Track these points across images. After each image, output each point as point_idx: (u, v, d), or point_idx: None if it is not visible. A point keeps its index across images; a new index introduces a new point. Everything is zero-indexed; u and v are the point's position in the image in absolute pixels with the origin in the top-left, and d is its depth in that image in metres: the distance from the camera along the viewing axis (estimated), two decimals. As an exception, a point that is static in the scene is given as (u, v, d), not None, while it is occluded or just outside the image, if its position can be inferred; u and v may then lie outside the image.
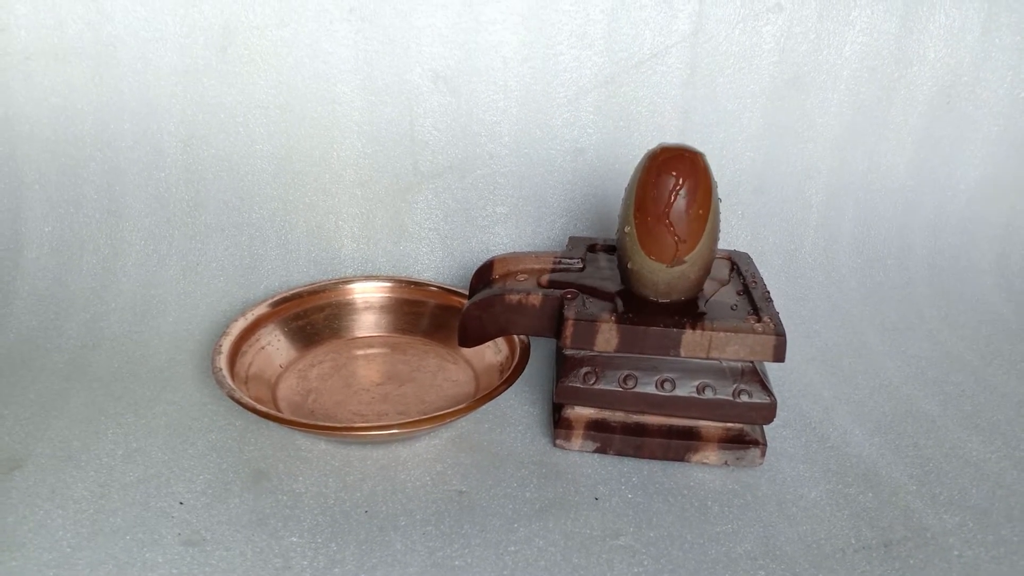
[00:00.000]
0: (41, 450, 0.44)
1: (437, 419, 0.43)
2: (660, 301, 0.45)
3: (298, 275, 0.59)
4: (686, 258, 0.43)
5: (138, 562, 0.37)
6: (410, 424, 0.42)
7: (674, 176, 0.42)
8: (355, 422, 0.47)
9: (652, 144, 0.61)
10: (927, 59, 0.62)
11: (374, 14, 0.56)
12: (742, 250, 0.54)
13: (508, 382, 0.46)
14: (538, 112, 0.59)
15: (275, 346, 0.52)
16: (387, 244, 0.60)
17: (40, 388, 0.49)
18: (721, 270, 0.51)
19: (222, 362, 0.46)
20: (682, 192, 0.42)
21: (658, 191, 0.43)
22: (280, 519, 0.40)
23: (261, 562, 0.37)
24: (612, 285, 0.47)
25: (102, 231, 0.56)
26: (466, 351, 0.53)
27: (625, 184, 0.62)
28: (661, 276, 0.44)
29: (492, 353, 0.52)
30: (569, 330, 0.43)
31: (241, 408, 0.43)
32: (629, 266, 0.45)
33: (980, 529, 0.41)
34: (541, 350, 0.55)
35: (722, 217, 0.63)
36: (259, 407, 0.43)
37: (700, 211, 0.43)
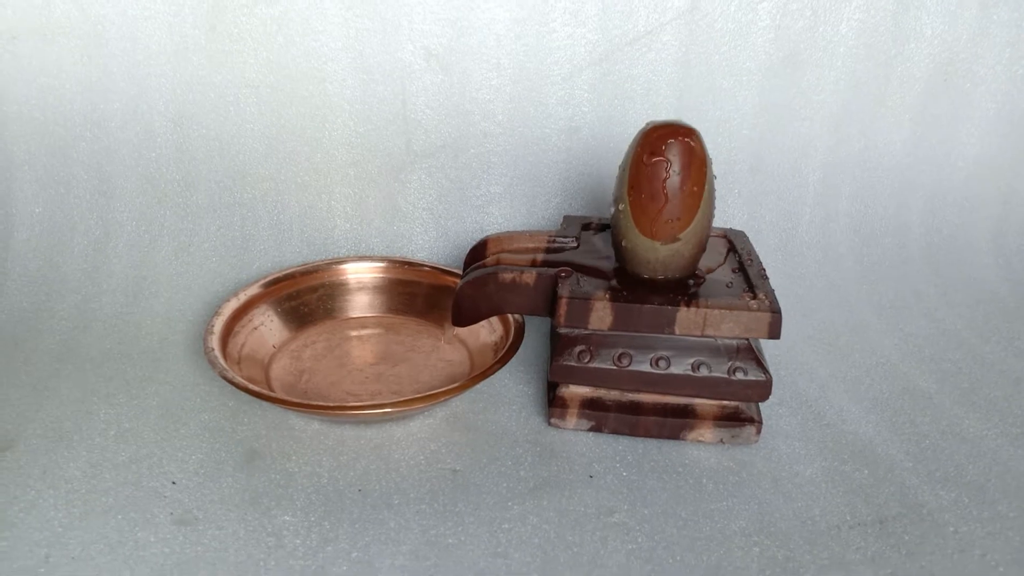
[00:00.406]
0: (33, 430, 0.44)
1: (430, 398, 0.42)
2: (655, 279, 0.45)
3: (291, 255, 0.59)
4: (680, 235, 0.43)
5: (130, 541, 0.37)
6: (403, 403, 0.42)
7: (667, 153, 0.42)
8: (348, 402, 0.46)
9: (646, 121, 0.61)
10: (924, 36, 0.61)
11: (365, -8, 0.56)
12: (738, 228, 0.53)
13: (502, 361, 0.46)
14: (532, 90, 0.59)
15: (268, 326, 0.51)
16: (380, 224, 0.60)
17: (32, 369, 0.49)
18: (717, 248, 0.51)
19: (214, 342, 0.46)
20: (676, 169, 0.42)
21: (652, 168, 0.42)
22: (273, 498, 0.40)
23: (254, 540, 0.37)
24: (607, 263, 0.47)
25: (93, 212, 0.55)
26: (460, 330, 0.53)
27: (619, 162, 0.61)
28: (655, 254, 0.44)
29: (487, 332, 0.51)
30: (563, 308, 0.43)
31: (234, 388, 0.43)
32: (623, 244, 0.44)
33: (976, 505, 0.41)
34: (536, 329, 0.55)
35: (718, 195, 0.63)
36: (251, 387, 0.42)
37: (694, 188, 0.42)
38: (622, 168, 0.44)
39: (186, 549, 0.36)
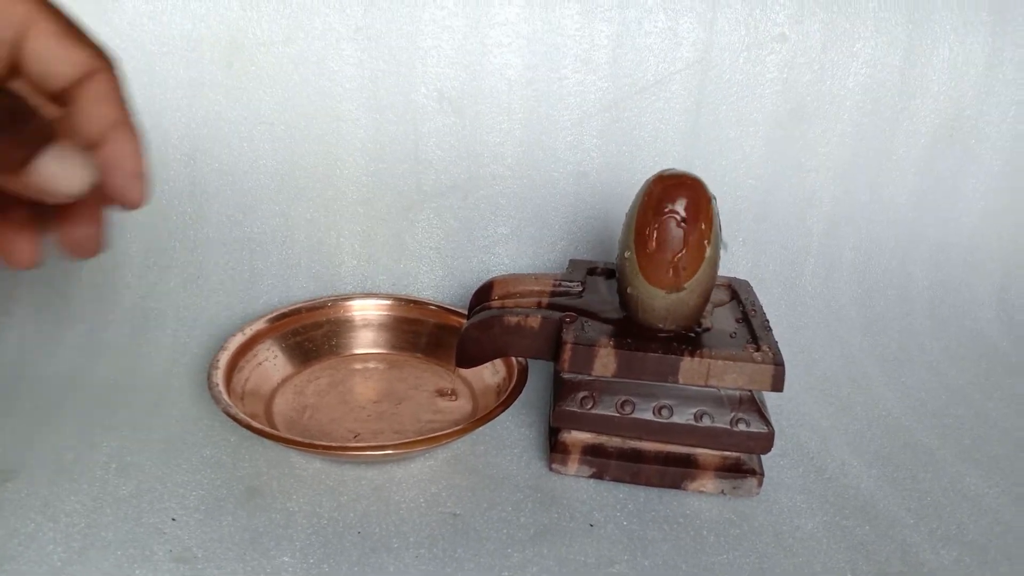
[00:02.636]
0: (35, 462, 0.44)
1: (432, 440, 0.42)
2: (659, 327, 0.45)
3: (298, 291, 0.59)
4: (686, 285, 0.43)
5: (128, 579, 0.37)
6: (405, 445, 0.42)
7: (675, 203, 0.42)
8: (350, 440, 0.46)
9: (654, 169, 0.61)
10: (930, 92, 0.62)
11: (380, 34, 0.57)
12: (742, 277, 0.53)
13: (505, 404, 0.46)
14: (541, 135, 0.60)
15: (272, 362, 0.52)
16: (387, 262, 0.60)
17: (36, 399, 0.49)
18: (721, 298, 0.51)
19: (219, 377, 0.46)
20: (682, 218, 0.42)
21: (658, 217, 0.43)
22: (272, 538, 0.40)
23: (252, 581, 0.37)
24: (611, 309, 0.47)
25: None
26: (464, 371, 0.53)
27: (626, 208, 0.62)
28: (660, 302, 0.44)
29: (490, 374, 0.51)
30: (567, 354, 0.43)
31: (236, 424, 0.43)
32: (628, 291, 0.45)
33: (977, 566, 0.41)
34: (539, 372, 0.55)
35: (723, 244, 0.63)
36: (254, 423, 0.42)
37: (701, 239, 0.43)
38: (629, 216, 0.44)
39: (184, 588, 0.36)
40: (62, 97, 0.30)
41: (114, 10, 0.54)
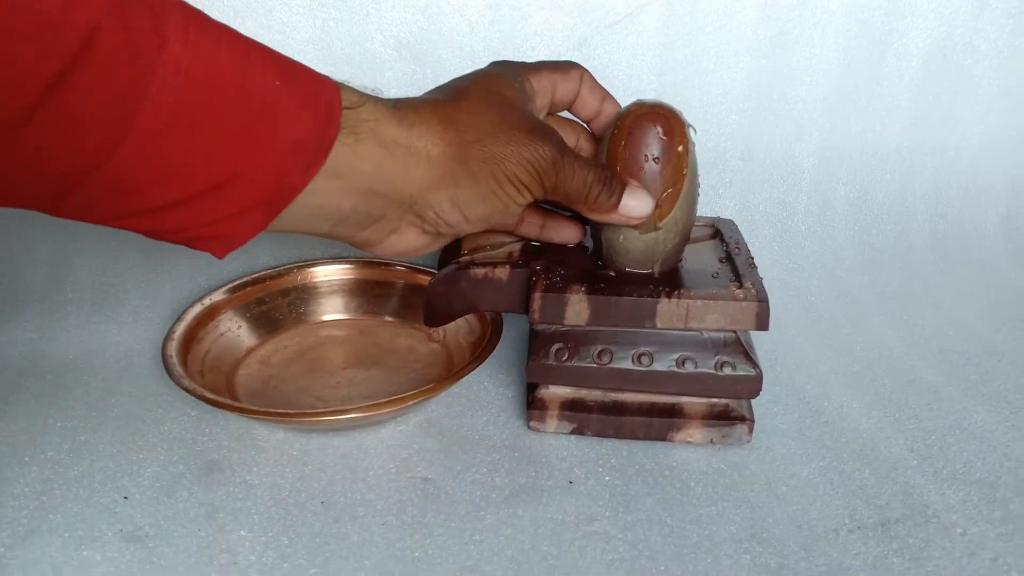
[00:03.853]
0: (-17, 447, 0.42)
1: (398, 402, 0.40)
2: (636, 273, 0.42)
3: (263, 257, 0.56)
4: (660, 224, 0.40)
5: (75, 561, 0.35)
6: (368, 408, 0.39)
7: (646, 135, 0.39)
8: (317, 408, 0.44)
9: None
10: (920, 9, 0.58)
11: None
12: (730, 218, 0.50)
13: (477, 360, 0.43)
14: (510, 80, 0.56)
15: (236, 332, 0.49)
16: (356, 224, 0.58)
17: (-11, 382, 0.47)
18: (706, 242, 0.48)
19: (173, 349, 0.44)
20: (654, 153, 0.39)
21: (630, 151, 0.40)
22: (230, 512, 0.37)
23: (206, 558, 0.35)
24: (588, 258, 0.44)
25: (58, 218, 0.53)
26: (437, 331, 0.50)
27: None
28: (635, 243, 0.41)
29: (465, 334, 0.49)
30: (537, 303, 0.41)
31: (195, 398, 0.41)
32: (602, 235, 0.42)
33: (986, 504, 0.38)
34: (519, 329, 0.52)
35: (707, 185, 0.60)
36: (208, 395, 0.40)
37: (675, 173, 0.40)
38: (600, 152, 0.41)
39: (133, 568, 0.34)
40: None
41: None
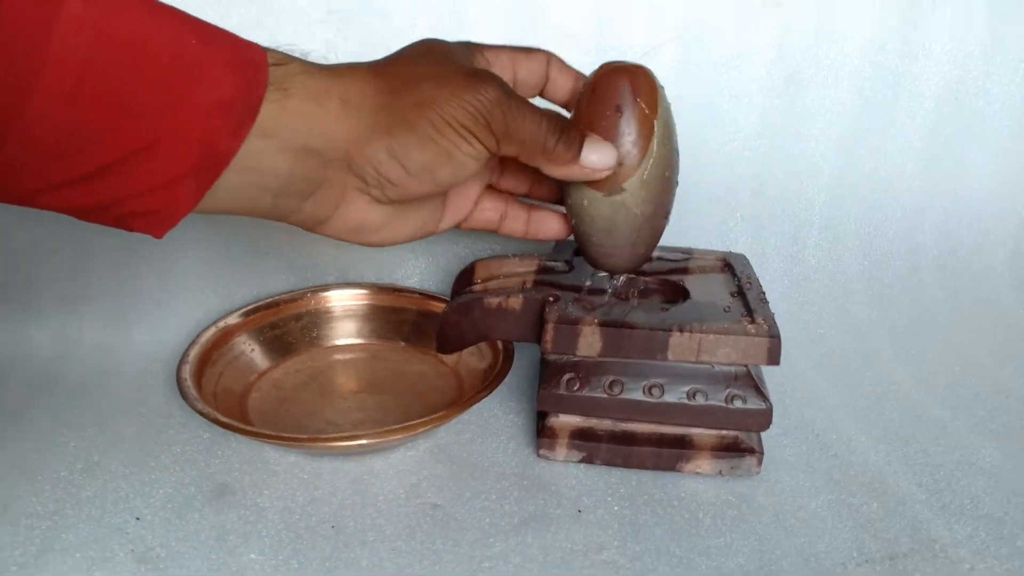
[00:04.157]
0: (-2, 464, 0.42)
1: (409, 428, 0.40)
2: (607, 251, 0.42)
3: (278, 282, 0.57)
4: (624, 184, 0.39)
5: (87, 581, 0.35)
6: (380, 434, 0.40)
7: (612, 91, 0.38)
8: (328, 432, 0.44)
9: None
10: (933, 53, 0.59)
11: (353, 15, 0.55)
12: (742, 253, 0.51)
13: (488, 388, 0.43)
14: (525, 112, 0.57)
15: (249, 356, 0.50)
16: (369, 250, 0.58)
17: (4, 400, 0.47)
18: (718, 276, 0.48)
19: (187, 372, 0.44)
20: (623, 109, 0.38)
21: (594, 107, 0.39)
22: (241, 535, 0.37)
23: (216, 580, 0.35)
24: (600, 289, 0.45)
25: (74, 237, 0.54)
26: (449, 358, 0.51)
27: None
28: (600, 209, 0.40)
29: (476, 361, 0.49)
30: (549, 334, 0.41)
31: (208, 420, 0.41)
32: (568, 200, 0.42)
33: (993, 540, 0.38)
34: (529, 356, 0.52)
35: (719, 219, 0.60)
36: (221, 418, 0.40)
37: (642, 130, 0.38)
38: (571, 113, 0.41)
39: (143, 589, 0.34)
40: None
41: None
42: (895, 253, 0.62)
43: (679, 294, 0.46)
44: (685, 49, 0.57)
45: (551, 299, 0.43)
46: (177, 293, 0.55)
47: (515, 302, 0.43)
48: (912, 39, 0.59)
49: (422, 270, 0.58)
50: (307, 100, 0.33)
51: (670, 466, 0.43)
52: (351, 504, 0.40)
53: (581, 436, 0.43)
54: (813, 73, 0.59)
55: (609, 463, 0.43)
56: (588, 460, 0.43)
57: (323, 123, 0.34)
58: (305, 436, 0.40)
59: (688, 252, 0.50)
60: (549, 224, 0.45)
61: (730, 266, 0.49)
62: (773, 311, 0.42)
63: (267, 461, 0.43)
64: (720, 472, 0.42)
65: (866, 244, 0.62)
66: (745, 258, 0.50)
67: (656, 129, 0.38)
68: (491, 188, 0.45)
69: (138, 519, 0.38)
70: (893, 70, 0.59)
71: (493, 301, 0.43)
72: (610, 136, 0.38)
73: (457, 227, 0.44)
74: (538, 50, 0.41)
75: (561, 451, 0.43)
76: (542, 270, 0.47)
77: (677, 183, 0.42)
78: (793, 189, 0.61)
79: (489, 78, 0.35)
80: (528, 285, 0.45)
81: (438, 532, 0.38)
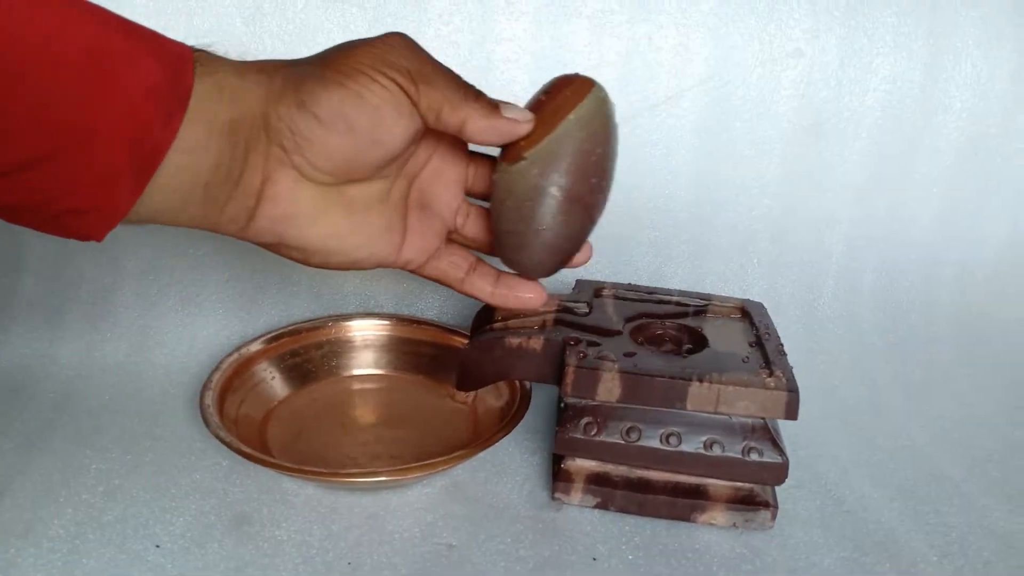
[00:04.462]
0: (21, 484, 0.42)
1: (428, 467, 0.41)
2: (512, 241, 0.41)
3: (299, 310, 0.58)
4: (526, 154, 0.38)
5: (106, 609, 0.35)
6: (399, 471, 0.40)
7: (551, 85, 0.39)
8: (345, 465, 0.45)
9: (666, 187, 0.60)
10: (953, 108, 0.60)
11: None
12: (758, 299, 0.51)
13: (505, 429, 0.44)
14: (550, 152, 0.58)
15: (269, 383, 0.50)
16: (390, 282, 0.59)
17: (28, 418, 0.48)
18: (736, 324, 0.49)
19: (210, 399, 0.45)
20: (548, 92, 0.39)
21: (532, 97, 0.40)
22: (259, 568, 0.38)
23: (234, 614, 0.35)
24: (619, 332, 0.45)
25: (101, 259, 0.55)
26: (466, 394, 0.51)
27: (640, 230, 0.60)
28: (502, 179, 0.39)
29: (493, 398, 0.50)
30: (570, 378, 0.41)
31: (230, 449, 0.41)
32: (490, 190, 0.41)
33: (1005, 608, 0.39)
34: (544, 396, 0.53)
35: (737, 264, 0.61)
36: (244, 448, 0.41)
37: (558, 109, 0.38)
38: None
39: (163, 620, 0.35)
40: None
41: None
42: (911, 305, 0.63)
43: (697, 340, 0.46)
44: (708, 96, 0.58)
45: (571, 342, 0.43)
46: (200, 316, 0.56)
47: (536, 343, 0.44)
48: (933, 92, 0.60)
49: (441, 303, 0.59)
50: (231, 75, 0.34)
51: (684, 516, 0.43)
52: (367, 541, 0.40)
53: (597, 481, 0.43)
54: (834, 123, 0.60)
55: (624, 510, 0.43)
56: (603, 506, 0.44)
57: (243, 91, 0.34)
58: (325, 471, 0.40)
59: (707, 298, 0.51)
60: (519, 289, 0.43)
61: (748, 314, 0.49)
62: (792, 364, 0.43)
63: (285, 492, 0.43)
64: (734, 524, 0.43)
65: (882, 295, 0.62)
66: (763, 307, 0.50)
67: (573, 115, 0.37)
68: (457, 241, 0.44)
69: (158, 547, 0.39)
70: (913, 123, 0.60)
71: (514, 341, 0.44)
72: (533, 113, 0.38)
73: (417, 272, 0.43)
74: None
75: (576, 495, 0.44)
76: (562, 310, 0.48)
77: (605, 187, 0.41)
78: (811, 237, 0.62)
79: (397, 33, 0.36)
80: (548, 325, 0.46)
81: (453, 574, 0.38)
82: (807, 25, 0.57)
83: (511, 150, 0.38)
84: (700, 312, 0.49)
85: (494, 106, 0.37)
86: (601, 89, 0.39)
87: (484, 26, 0.56)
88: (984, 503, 0.46)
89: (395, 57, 0.35)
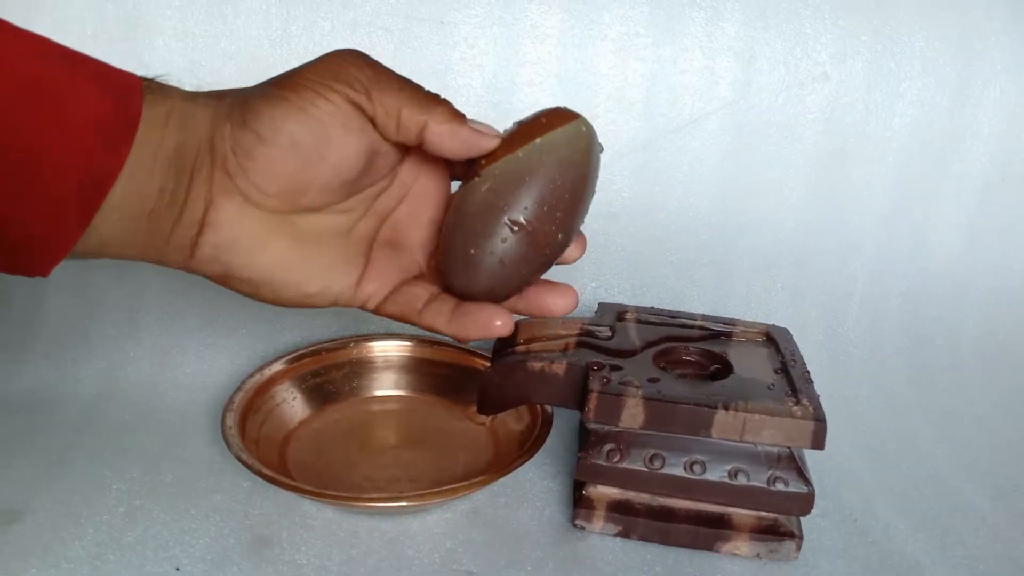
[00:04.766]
0: (41, 504, 0.42)
1: (449, 493, 0.40)
2: (451, 256, 0.37)
3: (320, 330, 0.58)
4: (483, 171, 0.35)
5: (127, 632, 0.35)
6: (420, 497, 0.40)
7: (533, 114, 0.36)
8: (364, 487, 0.45)
9: (690, 210, 0.59)
10: (981, 134, 0.59)
11: (410, 72, 0.54)
12: (781, 324, 0.51)
13: (527, 454, 0.44)
14: (573, 174, 0.58)
15: (290, 404, 0.50)
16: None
17: (50, 438, 0.48)
18: (761, 349, 0.48)
19: (232, 420, 0.45)
20: (529, 119, 0.36)
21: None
22: (278, 593, 0.38)
23: (254, 640, 0.35)
24: (642, 357, 0.45)
25: (124, 279, 0.55)
26: (486, 417, 0.51)
27: (660, 252, 0.60)
28: (458, 197, 0.36)
29: (513, 421, 0.49)
30: (593, 403, 0.41)
31: (252, 472, 0.41)
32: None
33: (1036, 646, 0.38)
34: (565, 419, 0.52)
35: (761, 288, 0.60)
36: (264, 470, 0.41)
37: (526, 133, 0.35)
38: None
39: (182, 645, 0.35)
40: None
41: (145, 48, 0.54)
42: (935, 332, 0.62)
43: (722, 366, 0.46)
44: (733, 119, 0.58)
45: (595, 367, 0.43)
46: (222, 337, 0.56)
47: (558, 367, 0.43)
48: (960, 118, 0.59)
49: (462, 324, 0.59)
50: (180, 101, 0.33)
51: (707, 546, 0.42)
52: (387, 567, 0.40)
53: (619, 509, 0.43)
54: (860, 148, 0.59)
55: (645, 538, 0.43)
56: (624, 534, 0.43)
57: (190, 116, 0.32)
58: (346, 495, 0.40)
59: (731, 323, 0.50)
60: (481, 317, 0.37)
61: (773, 340, 0.49)
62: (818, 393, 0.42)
63: (304, 515, 0.43)
64: (758, 555, 0.42)
65: (906, 321, 0.62)
66: (788, 332, 0.50)
67: (540, 140, 0.35)
68: (421, 277, 0.40)
69: (178, 569, 0.39)
70: (940, 148, 0.60)
71: (536, 365, 0.44)
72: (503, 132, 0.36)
73: (378, 312, 0.39)
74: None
75: (598, 523, 0.43)
76: (584, 333, 0.47)
77: (568, 225, 0.37)
78: (835, 262, 0.61)
79: (349, 49, 0.34)
80: (570, 348, 0.46)
81: (474, 601, 0.38)
82: (834, 49, 0.57)
83: (472, 168, 0.36)
84: (725, 337, 0.49)
85: (458, 114, 0.35)
86: (585, 123, 0.36)
87: (509, 49, 0.56)
88: (1011, 535, 0.46)
89: (344, 70, 0.33)
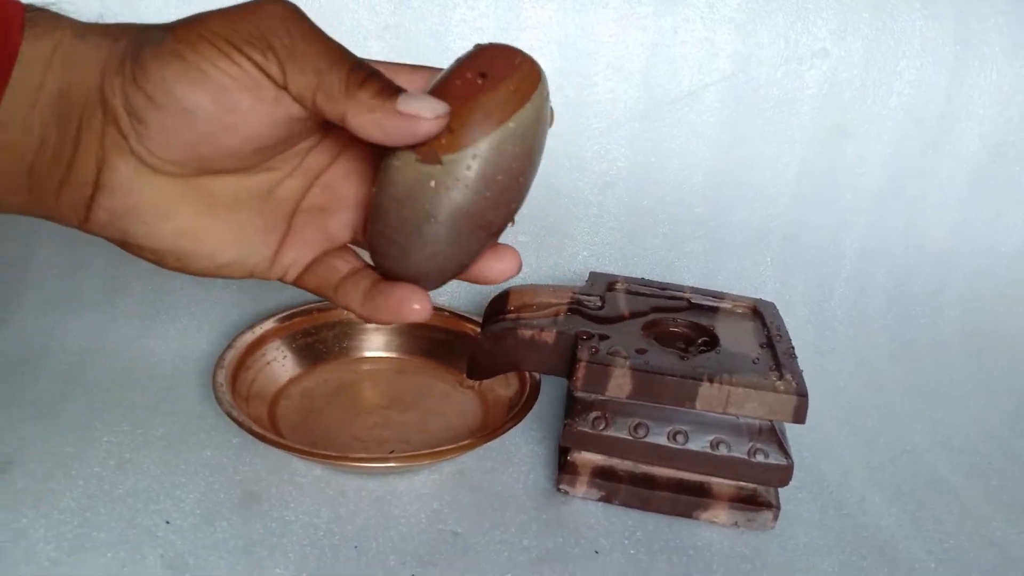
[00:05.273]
0: (32, 455, 0.43)
1: (436, 455, 0.41)
2: (394, 248, 0.30)
3: (311, 289, 0.58)
4: (444, 156, 0.28)
5: (117, 582, 0.36)
6: (408, 459, 0.41)
7: (489, 61, 0.29)
8: (354, 447, 0.45)
9: (684, 182, 0.60)
10: (976, 115, 0.59)
11: (409, 33, 0.55)
12: (768, 298, 0.51)
13: (515, 419, 0.44)
14: (568, 143, 0.58)
15: (281, 362, 0.51)
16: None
17: (40, 390, 0.48)
18: (747, 323, 0.49)
19: (223, 377, 0.45)
20: (486, 70, 0.29)
21: (456, 69, 0.29)
22: (267, 548, 0.38)
23: (242, 593, 0.36)
24: (631, 328, 0.46)
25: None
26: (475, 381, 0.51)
27: (654, 221, 0.60)
28: (403, 174, 0.29)
29: (502, 386, 0.50)
30: (581, 372, 0.42)
31: (242, 428, 0.42)
32: (379, 170, 0.30)
33: (1001, 619, 0.39)
34: (553, 385, 0.53)
35: (750, 262, 0.61)
36: (255, 427, 0.41)
37: (497, 103, 0.28)
38: None
39: (172, 596, 0.35)
40: None
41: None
42: (920, 310, 0.63)
43: (708, 339, 0.46)
44: (731, 92, 0.58)
45: (584, 336, 0.44)
46: (213, 292, 0.56)
47: (548, 335, 0.44)
48: (956, 98, 0.60)
49: (453, 288, 0.59)
50: (69, 36, 0.28)
51: (687, 513, 0.43)
52: (374, 525, 0.41)
53: (602, 475, 0.44)
54: (856, 125, 0.59)
55: (627, 504, 0.44)
56: (607, 500, 0.44)
57: (79, 55, 0.28)
58: (335, 454, 0.41)
59: (720, 296, 0.51)
60: (390, 298, 0.31)
61: (760, 314, 0.49)
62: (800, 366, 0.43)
63: (294, 472, 0.44)
64: (736, 523, 0.43)
65: (892, 299, 0.63)
66: (774, 307, 0.50)
67: (513, 122, 0.28)
68: (357, 243, 0.35)
69: (168, 523, 0.39)
70: (935, 128, 0.60)
71: (526, 333, 0.44)
72: (458, 99, 0.28)
73: (297, 284, 0.34)
74: (425, 67, 0.32)
75: (581, 488, 0.44)
76: (574, 302, 0.48)
77: (516, 209, 0.31)
78: (826, 238, 0.61)
79: (279, 2, 0.28)
80: (560, 316, 0.46)
81: (458, 561, 0.39)
82: (834, 25, 0.57)
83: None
84: (712, 310, 0.49)
85: (386, 95, 0.27)
86: (546, 82, 0.30)
87: (510, 12, 0.55)
88: (983, 512, 0.47)
89: (259, 28, 0.27)
